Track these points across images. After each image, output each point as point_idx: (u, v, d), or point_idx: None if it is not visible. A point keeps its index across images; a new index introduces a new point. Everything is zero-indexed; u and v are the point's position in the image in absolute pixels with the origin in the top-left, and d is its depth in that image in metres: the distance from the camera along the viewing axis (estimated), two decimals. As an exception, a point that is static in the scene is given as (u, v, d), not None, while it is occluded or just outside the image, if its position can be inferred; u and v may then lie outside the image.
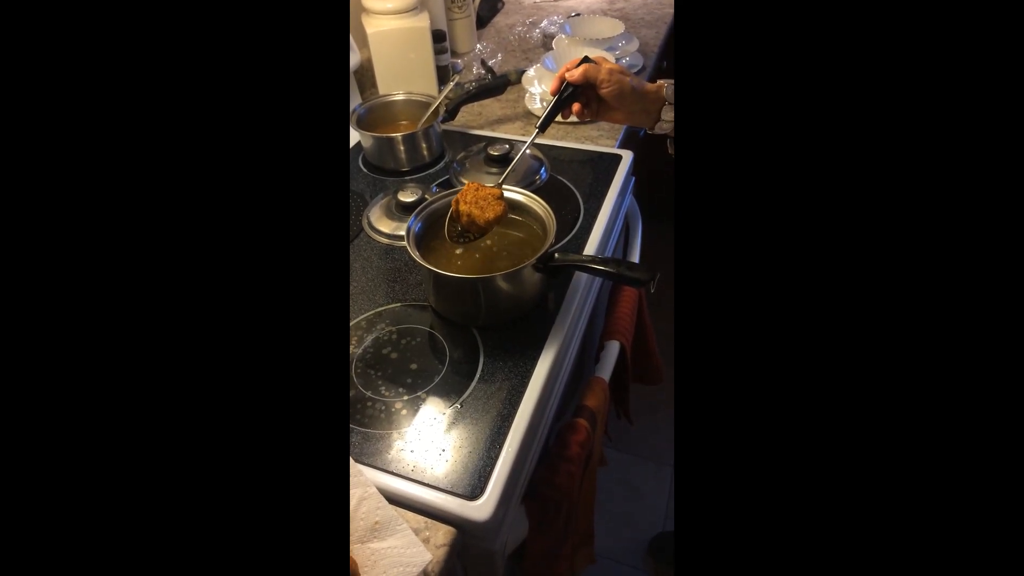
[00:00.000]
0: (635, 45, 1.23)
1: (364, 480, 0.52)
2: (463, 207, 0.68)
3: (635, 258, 0.99)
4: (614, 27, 1.22)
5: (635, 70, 1.21)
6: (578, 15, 1.38)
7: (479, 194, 0.69)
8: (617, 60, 1.13)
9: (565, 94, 0.71)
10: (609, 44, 1.20)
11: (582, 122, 1.05)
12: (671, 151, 0.75)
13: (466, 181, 0.91)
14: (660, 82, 0.71)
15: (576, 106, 0.72)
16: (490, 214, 0.67)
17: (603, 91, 0.70)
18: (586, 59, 0.71)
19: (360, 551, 0.48)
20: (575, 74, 0.70)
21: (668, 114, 0.70)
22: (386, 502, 0.51)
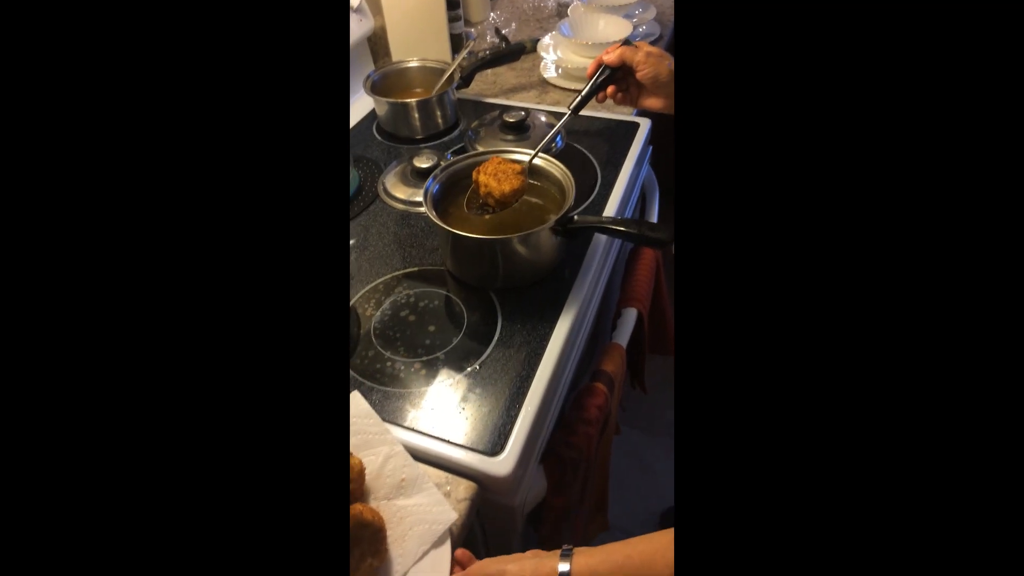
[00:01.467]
0: (652, 13, 1.21)
1: (391, 439, 0.52)
2: (482, 178, 0.67)
3: (651, 228, 0.98)
4: (630, -5, 1.20)
5: (652, 39, 1.19)
6: (593, -17, 1.35)
7: (500, 167, 0.68)
8: (634, 28, 1.11)
9: (601, 77, 0.70)
10: (625, 12, 1.17)
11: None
12: None
13: (480, 148, 0.90)
14: None
15: (611, 88, 0.71)
16: (507, 187, 0.66)
17: (640, 74, 0.68)
18: (627, 42, 0.70)
19: (386, 507, 0.49)
20: (612, 56, 0.68)
21: None
22: (412, 460, 0.51)
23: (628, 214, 0.92)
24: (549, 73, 1.08)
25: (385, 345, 0.63)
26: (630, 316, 0.80)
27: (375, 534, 0.46)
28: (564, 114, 0.97)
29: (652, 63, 0.67)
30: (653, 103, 0.72)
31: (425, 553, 0.47)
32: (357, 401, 0.54)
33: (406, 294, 0.69)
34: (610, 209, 0.81)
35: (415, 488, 0.49)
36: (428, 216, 0.66)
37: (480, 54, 1.05)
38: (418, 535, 0.47)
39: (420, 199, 0.80)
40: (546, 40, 1.08)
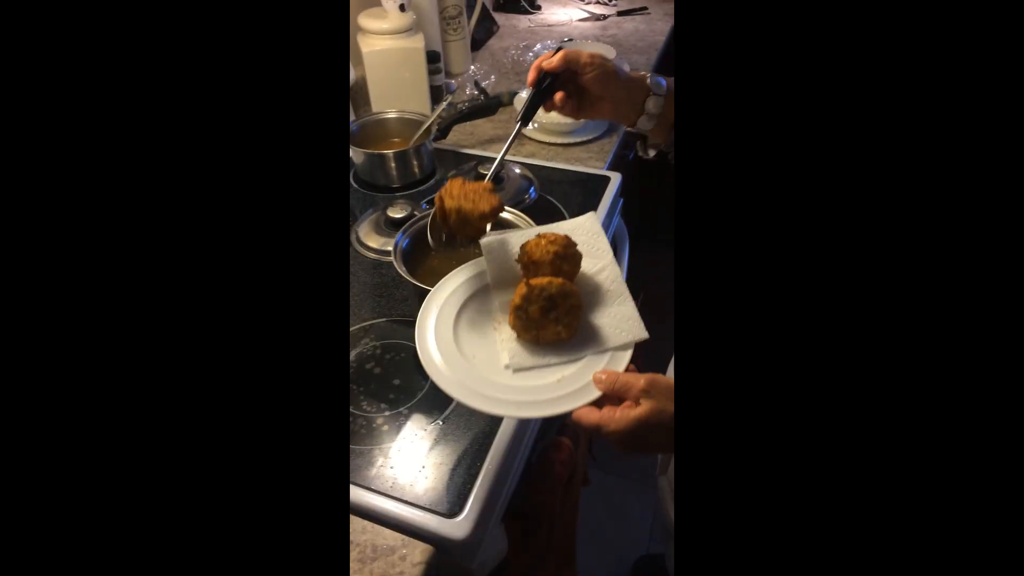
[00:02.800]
0: (626, 69, 1.26)
1: (611, 259, 0.58)
2: (450, 203, 0.57)
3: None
4: (605, 52, 1.25)
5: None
6: (570, 40, 1.41)
7: (467, 187, 0.58)
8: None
9: (544, 83, 0.62)
10: (600, 69, 1.22)
11: (571, 128, 1.06)
12: (642, 153, 0.72)
13: (456, 199, 0.92)
14: (644, 72, 0.64)
15: (559, 95, 0.62)
16: (484, 206, 0.56)
17: (586, 77, 0.61)
18: (558, 49, 0.63)
19: (588, 301, 0.54)
20: (553, 62, 0.61)
21: (652, 106, 0.62)
22: (622, 279, 0.56)
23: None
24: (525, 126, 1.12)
25: (348, 399, 0.63)
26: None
27: (573, 309, 0.51)
28: (538, 167, 1.01)
29: (598, 64, 0.61)
30: (601, 108, 0.65)
31: (606, 350, 0.51)
32: (592, 220, 0.62)
33: (373, 345, 0.70)
34: (579, 262, 0.83)
35: (616, 300, 0.55)
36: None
37: (459, 105, 1.08)
38: (606, 335, 0.52)
39: (391, 250, 0.81)
40: (522, 95, 1.12)
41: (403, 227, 0.72)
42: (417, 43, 1.07)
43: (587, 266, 0.57)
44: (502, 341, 0.53)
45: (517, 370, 0.50)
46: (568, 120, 1.07)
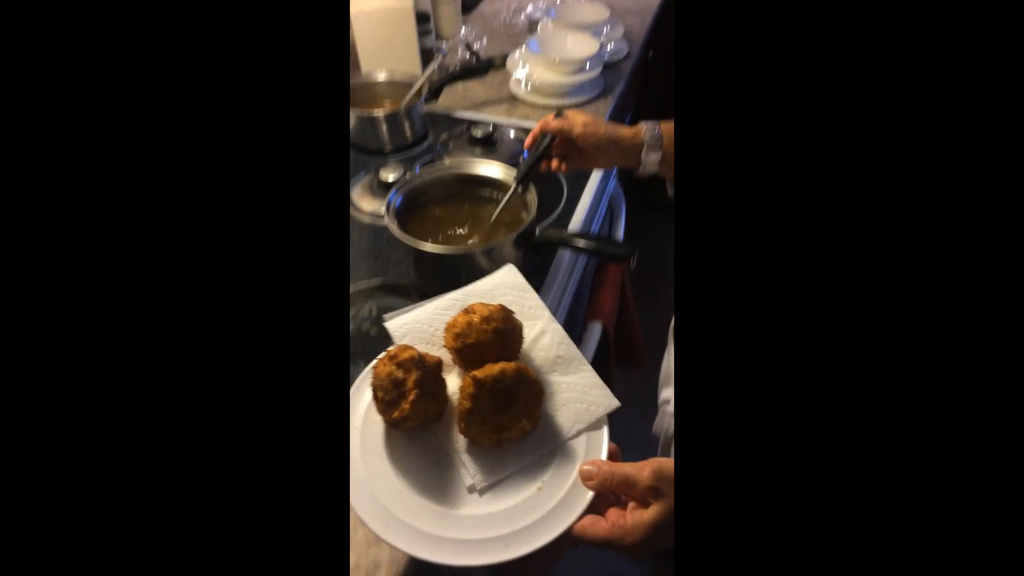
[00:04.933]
0: (620, 31, 1.23)
1: (547, 316, 0.50)
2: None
3: (618, 241, 0.99)
4: (599, 13, 1.22)
5: (620, 56, 1.21)
6: (563, 1, 1.37)
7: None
8: (601, 46, 1.13)
9: (544, 143, 0.68)
10: (594, 29, 1.19)
11: (565, 90, 1.05)
12: (670, 192, 0.73)
13: (448, 161, 0.90)
14: (639, 126, 0.67)
15: (555, 162, 0.70)
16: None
17: (580, 143, 0.68)
18: (559, 113, 0.69)
19: (541, 378, 0.46)
20: (551, 124, 0.67)
21: (650, 161, 0.67)
22: (568, 340, 0.48)
23: (595, 229, 0.93)
24: (518, 88, 1.10)
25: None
26: (595, 331, 0.81)
27: (534, 396, 0.43)
28: (530, 129, 0.99)
29: (590, 131, 0.67)
30: (599, 162, 0.74)
31: (579, 432, 0.44)
32: (513, 273, 0.53)
33: (369, 307, 0.69)
34: (575, 223, 0.82)
35: (570, 368, 0.47)
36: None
37: (450, 68, 1.05)
38: (573, 412, 0.45)
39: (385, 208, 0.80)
40: (515, 56, 1.10)
41: (395, 185, 0.71)
42: (406, 3, 1.04)
43: (525, 332, 0.48)
44: (456, 455, 0.43)
45: (485, 490, 0.41)
46: (562, 80, 1.05)
